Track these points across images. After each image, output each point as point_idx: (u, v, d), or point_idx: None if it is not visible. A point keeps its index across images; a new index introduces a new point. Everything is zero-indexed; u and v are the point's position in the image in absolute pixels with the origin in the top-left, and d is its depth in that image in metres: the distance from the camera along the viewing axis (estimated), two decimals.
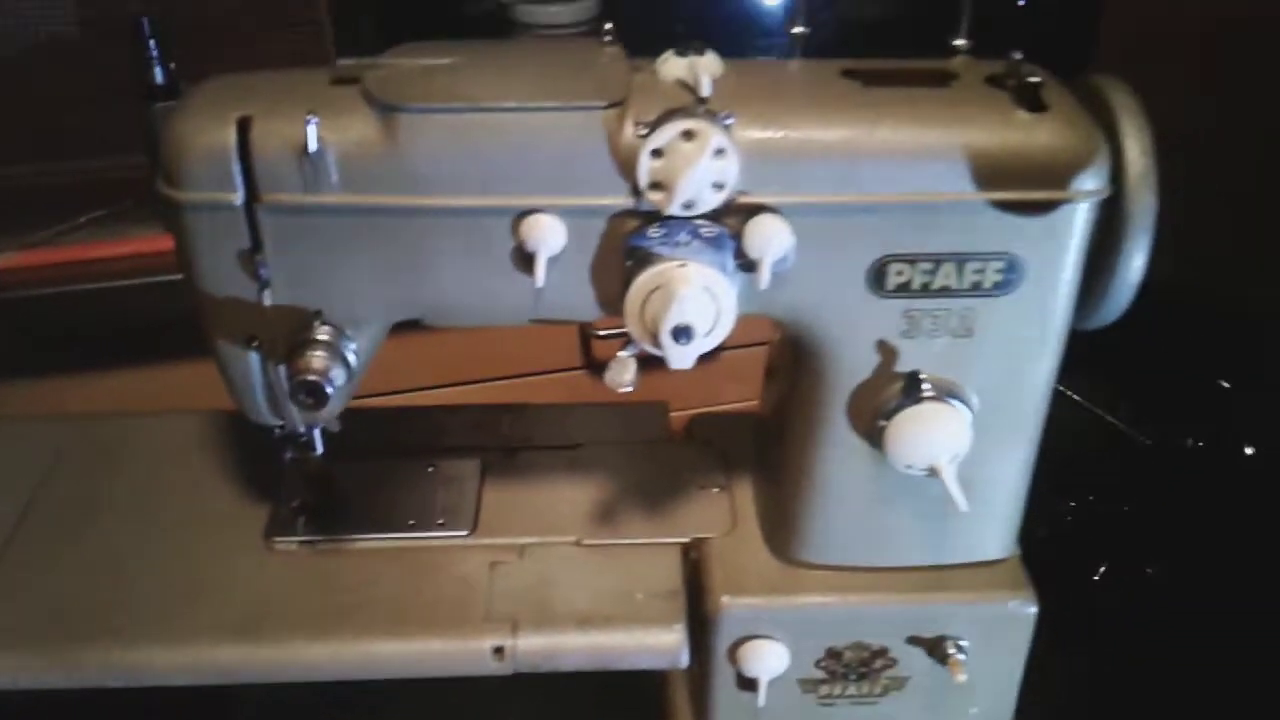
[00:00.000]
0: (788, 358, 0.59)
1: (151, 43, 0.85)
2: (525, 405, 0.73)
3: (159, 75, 0.87)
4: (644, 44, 0.52)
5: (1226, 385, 1.38)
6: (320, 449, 0.61)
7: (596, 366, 1.05)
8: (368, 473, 0.66)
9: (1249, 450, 1.33)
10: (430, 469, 0.67)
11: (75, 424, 0.70)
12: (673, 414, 0.73)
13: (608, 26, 0.53)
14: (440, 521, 0.63)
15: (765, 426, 0.66)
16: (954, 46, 0.55)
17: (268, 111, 0.47)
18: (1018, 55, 0.51)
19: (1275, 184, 1.25)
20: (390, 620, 0.57)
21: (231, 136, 0.47)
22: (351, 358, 0.52)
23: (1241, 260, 1.32)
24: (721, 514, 0.64)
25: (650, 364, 0.52)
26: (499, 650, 0.56)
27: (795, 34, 0.58)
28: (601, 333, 1.01)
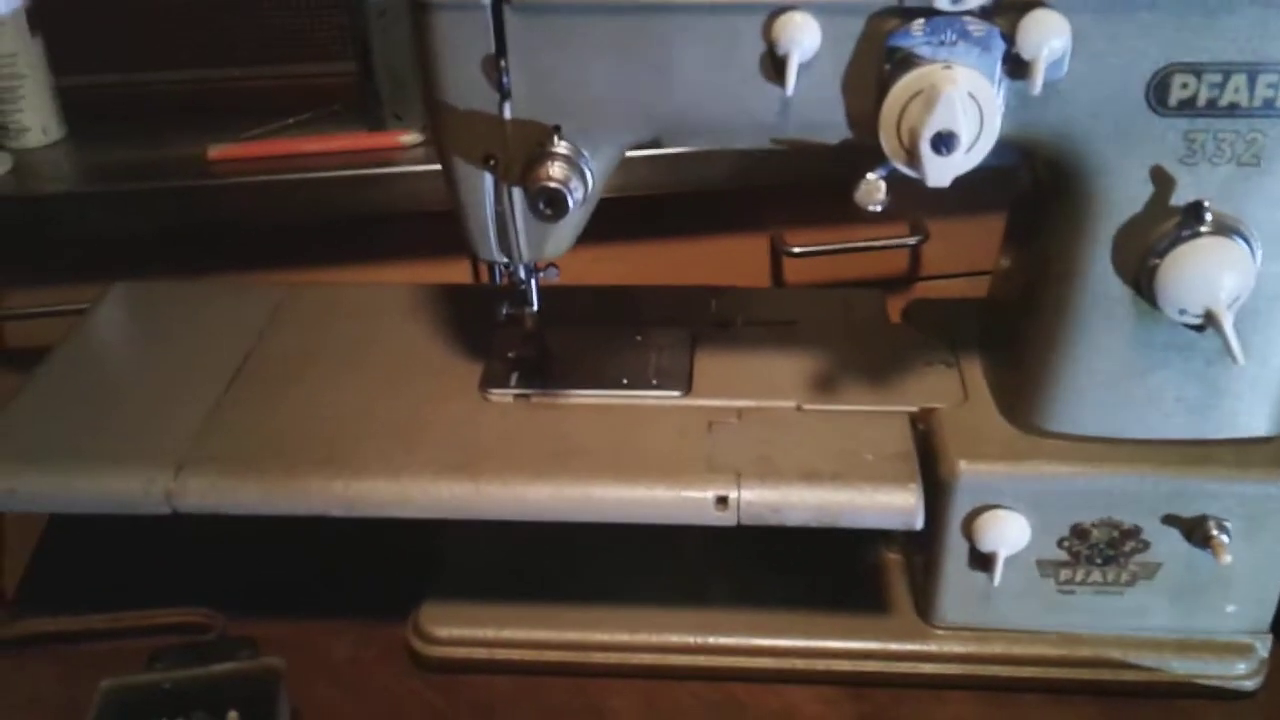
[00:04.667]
0: (1039, 208, 0.55)
1: None
2: (733, 287, 0.70)
3: None
4: None
5: None
6: (535, 304, 0.60)
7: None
8: (578, 337, 0.64)
9: None
10: (639, 338, 0.65)
11: (292, 287, 0.70)
12: None
13: None
14: (654, 382, 0.61)
15: (1000, 301, 0.62)
16: None
17: None
18: None
19: None
20: (609, 466, 0.55)
21: None
22: (589, 177, 0.50)
23: None
24: (951, 386, 0.60)
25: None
26: (723, 500, 0.54)
27: None
28: (795, 250, 0.98)
